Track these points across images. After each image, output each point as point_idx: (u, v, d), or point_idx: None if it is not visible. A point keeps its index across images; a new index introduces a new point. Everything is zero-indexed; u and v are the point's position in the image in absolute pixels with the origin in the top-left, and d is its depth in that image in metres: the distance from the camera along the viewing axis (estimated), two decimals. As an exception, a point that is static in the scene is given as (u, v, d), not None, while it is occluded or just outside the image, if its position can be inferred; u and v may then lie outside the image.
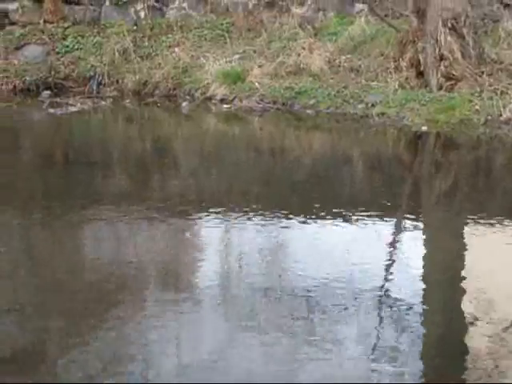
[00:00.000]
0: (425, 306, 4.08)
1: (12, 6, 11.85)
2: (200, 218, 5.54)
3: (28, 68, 10.98)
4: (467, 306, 4.08)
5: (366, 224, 5.35)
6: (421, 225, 5.51)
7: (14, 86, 10.80)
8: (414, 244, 5.11)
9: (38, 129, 9.60)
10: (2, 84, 10.81)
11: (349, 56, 10.24)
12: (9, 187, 6.53)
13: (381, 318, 3.90)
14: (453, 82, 9.11)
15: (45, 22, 11.72)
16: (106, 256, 4.84)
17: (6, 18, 11.86)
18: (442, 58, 9.17)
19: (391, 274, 4.53)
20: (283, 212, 5.54)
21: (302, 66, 10.08)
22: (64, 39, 11.47)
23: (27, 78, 10.83)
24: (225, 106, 9.79)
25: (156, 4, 11.84)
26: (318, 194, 6.11)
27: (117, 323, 3.82)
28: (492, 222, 5.34)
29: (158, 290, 4.32)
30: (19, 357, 3.51)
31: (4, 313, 3.97)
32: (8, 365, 3.45)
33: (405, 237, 5.31)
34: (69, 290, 4.25)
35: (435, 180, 6.88)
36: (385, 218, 5.50)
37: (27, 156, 7.94)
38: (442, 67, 9.15)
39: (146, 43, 11.23)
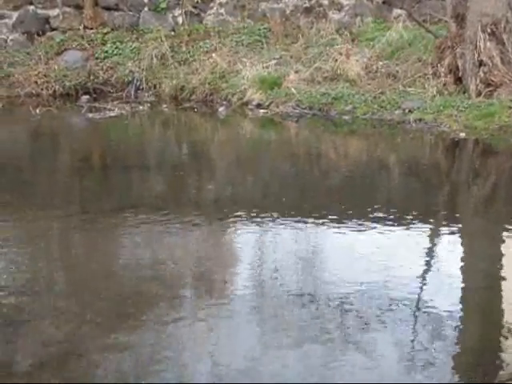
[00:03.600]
0: (461, 315, 4.03)
1: (53, 12, 12.06)
2: (236, 223, 5.56)
3: (68, 73, 11.15)
4: (505, 315, 4.03)
5: (402, 230, 5.32)
6: (458, 232, 5.45)
7: (54, 91, 10.98)
8: (451, 251, 5.05)
9: (76, 133, 9.74)
10: (43, 89, 10.99)
11: (386, 62, 10.19)
12: (48, 191, 6.65)
13: (416, 327, 3.87)
14: (492, 88, 9.00)
15: (84, 27, 11.90)
16: (142, 259, 4.88)
17: (47, 23, 12.08)
18: (480, 63, 9.07)
19: (427, 281, 4.49)
20: (319, 218, 5.53)
21: (338, 71, 10.06)
22: (103, 45, 11.64)
23: (67, 83, 11.00)
24: (261, 111, 9.81)
25: (194, 10, 11.93)
26: (354, 200, 6.09)
27: (152, 326, 3.85)
28: (531, 230, 5.26)
29: (193, 295, 4.35)
30: (55, 357, 3.57)
31: (41, 314, 4.03)
32: (45, 366, 3.51)
33: (442, 244, 5.26)
34: (105, 293, 4.29)
35: (473, 187, 6.80)
36: (422, 225, 5.45)
37: (66, 160, 8.06)
38: (481, 73, 9.05)
39: (184, 49, 11.32)
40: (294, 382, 3.34)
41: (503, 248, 5.09)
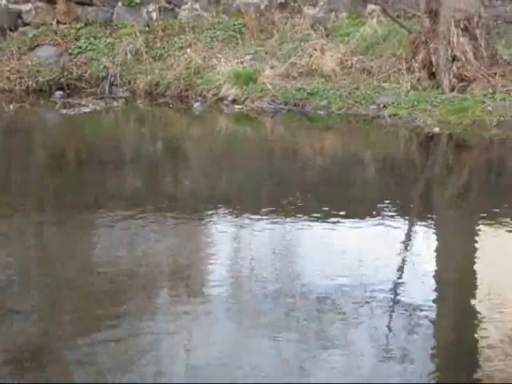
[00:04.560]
0: (436, 307, 4.07)
1: (25, 7, 11.94)
2: (211, 218, 5.55)
3: (41, 69, 11.04)
4: (479, 306, 4.07)
5: (377, 225, 5.35)
6: (433, 226, 5.50)
7: (27, 87, 10.87)
8: (425, 245, 5.09)
9: (50, 129, 9.66)
10: (16, 84, 10.87)
11: (361, 57, 10.24)
12: (22, 187, 6.58)
13: (392, 319, 3.90)
14: (465, 83, 9.08)
15: (58, 22, 11.80)
16: (118, 255, 4.86)
17: (19, 18, 11.95)
18: (454, 59, 9.15)
19: (403, 275, 4.53)
20: (294, 212, 5.54)
21: (313, 67, 10.09)
22: (77, 40, 11.54)
23: (40, 79, 10.89)
24: (236, 106, 9.80)
25: (168, 5, 11.87)
26: (329, 194, 6.11)
27: (128, 322, 3.84)
28: (504, 223, 5.32)
29: (170, 290, 4.34)
30: (31, 355, 3.54)
31: (16, 312, 3.99)
32: (21, 363, 3.48)
33: (417, 238, 5.30)
34: (80, 289, 4.27)
35: (447, 181, 6.86)
36: (397, 219, 5.49)
37: (40, 156, 7.99)
38: (455, 68, 9.13)
39: (158, 44, 11.27)
40: (272, 376, 3.35)
41: (477, 241, 5.15)
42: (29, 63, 11.17)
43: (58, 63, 11.16)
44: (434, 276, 4.50)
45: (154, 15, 11.85)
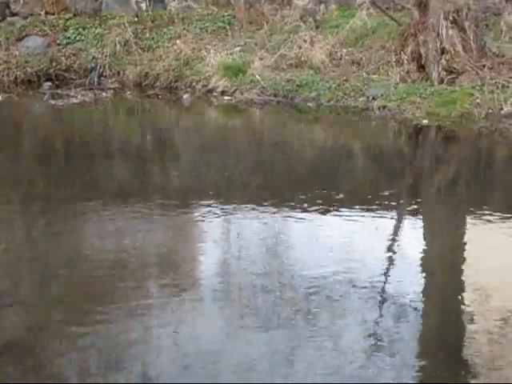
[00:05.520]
0: (424, 299, 4.10)
1: (13, -3, 11.84)
2: (201, 210, 5.56)
3: (29, 59, 10.96)
4: (466, 298, 4.10)
5: (366, 216, 5.37)
6: (421, 217, 5.53)
7: (16, 77, 10.79)
8: (413, 237, 5.12)
9: (38, 120, 9.61)
10: (3, 75, 10.79)
11: (350, 49, 10.23)
12: (9, 179, 6.55)
13: (380, 311, 3.92)
14: (454, 75, 9.10)
15: (46, 13, 11.72)
16: (106, 248, 4.85)
17: (7, 8, 11.86)
18: (443, 51, 9.16)
19: (391, 267, 4.55)
20: (282, 204, 5.55)
21: (303, 58, 10.07)
22: (65, 30, 11.46)
23: (28, 70, 10.81)
24: (226, 98, 9.79)
25: (157, -4, 11.82)
26: (318, 186, 6.12)
27: (115, 312, 3.84)
28: (492, 215, 5.35)
29: (159, 281, 4.34)
30: (18, 346, 3.54)
31: (4, 305, 3.99)
32: (7, 356, 3.48)
33: (405, 229, 5.33)
34: (68, 282, 4.27)
35: (436, 173, 6.89)
36: (385, 211, 5.51)
37: (28, 148, 7.95)
38: (443, 61, 9.14)
39: (148, 35, 11.22)
40: (261, 365, 3.37)
41: (465, 232, 5.18)
42: (17, 54, 11.09)
43: (46, 54, 11.09)
44: (421, 266, 4.53)
45: (144, 6, 11.78)
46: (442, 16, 9.14)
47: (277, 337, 3.62)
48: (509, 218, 5.36)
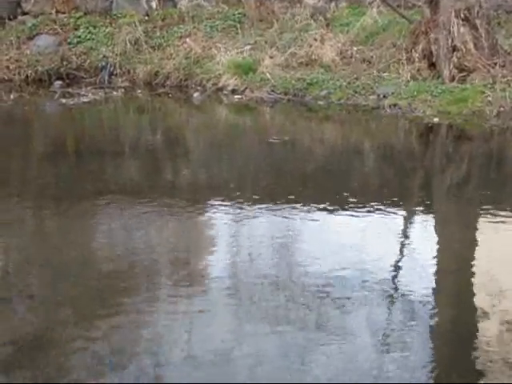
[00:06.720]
0: (436, 297, 4.08)
1: (24, -4, 11.88)
2: (211, 208, 5.55)
3: (40, 58, 11.00)
4: (478, 297, 4.08)
5: (377, 215, 5.35)
6: (433, 216, 5.50)
7: (27, 76, 10.83)
8: (425, 235, 5.10)
9: (49, 119, 9.64)
10: (15, 74, 10.85)
11: (361, 47, 10.21)
12: (21, 177, 6.58)
13: (391, 310, 3.91)
14: (465, 73, 9.06)
15: (57, 12, 11.75)
16: (118, 245, 4.86)
17: (18, 7, 11.90)
18: (454, 49, 9.12)
19: (403, 265, 4.53)
20: (294, 202, 5.54)
21: (313, 57, 10.06)
22: (76, 29, 11.49)
23: (39, 68, 10.85)
24: (236, 96, 9.78)
25: (168, -6, 11.82)
26: (329, 184, 6.11)
27: (127, 309, 3.84)
28: (504, 213, 5.32)
29: (170, 280, 4.34)
30: (28, 344, 3.55)
31: (16, 301, 4.00)
32: (18, 354, 3.49)
33: (416, 228, 5.31)
34: (80, 278, 4.27)
35: (447, 171, 6.85)
36: (397, 209, 5.49)
37: (39, 146, 7.97)
38: (455, 58, 9.10)
39: (158, 34, 11.23)
40: (272, 364, 3.36)
41: (476, 232, 5.15)
42: (28, 52, 11.14)
43: (57, 53, 11.12)
44: (433, 265, 4.50)
45: (154, 4, 11.80)
46: (453, 14, 9.10)
47: (286, 336, 3.60)
48: (521, 216, 5.33)
